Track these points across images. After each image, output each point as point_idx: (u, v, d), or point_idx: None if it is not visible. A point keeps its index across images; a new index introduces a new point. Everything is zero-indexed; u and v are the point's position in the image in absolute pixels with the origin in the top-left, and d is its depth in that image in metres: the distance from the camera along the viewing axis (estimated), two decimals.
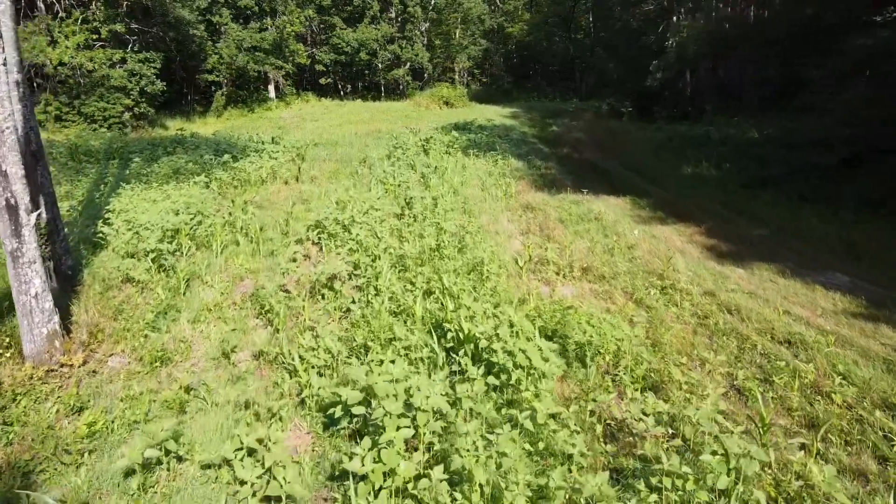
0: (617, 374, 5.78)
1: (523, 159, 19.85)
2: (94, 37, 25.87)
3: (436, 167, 16.09)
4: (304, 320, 7.27)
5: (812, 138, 17.45)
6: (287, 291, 8.19)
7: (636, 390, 5.49)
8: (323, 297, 7.89)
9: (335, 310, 7.54)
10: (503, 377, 5.03)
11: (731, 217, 12.82)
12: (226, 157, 17.07)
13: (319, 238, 10.05)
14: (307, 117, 35.62)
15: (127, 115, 26.84)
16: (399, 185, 14.20)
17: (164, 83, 28.23)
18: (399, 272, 8.49)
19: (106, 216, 10.77)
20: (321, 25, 44.87)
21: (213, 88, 36.90)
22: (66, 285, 7.75)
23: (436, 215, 11.35)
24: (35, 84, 27.33)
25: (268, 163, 16.99)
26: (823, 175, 15.47)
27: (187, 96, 36.42)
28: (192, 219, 10.52)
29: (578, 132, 28.95)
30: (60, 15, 24.94)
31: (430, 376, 5.23)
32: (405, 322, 6.91)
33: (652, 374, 5.73)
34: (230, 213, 11.50)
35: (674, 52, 27.04)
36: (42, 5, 25.34)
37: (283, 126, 32.18)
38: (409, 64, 46.13)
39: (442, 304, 7.07)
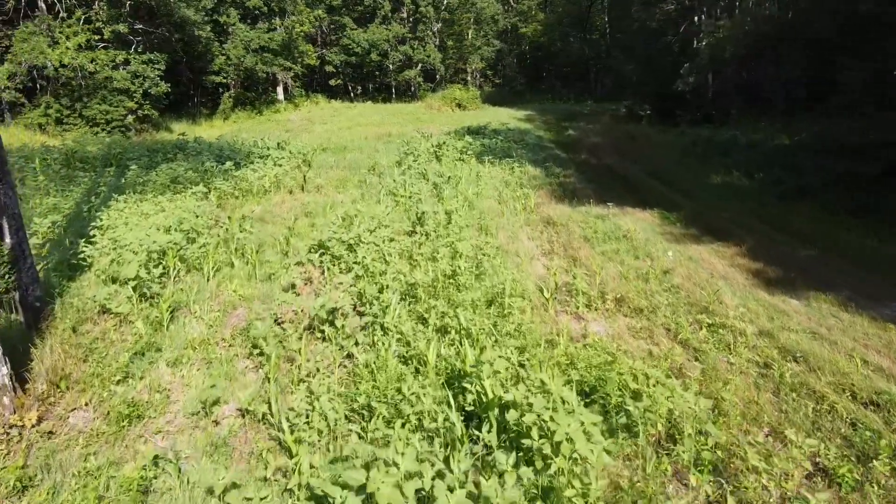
0: (672, 450, 4.77)
1: (540, 166, 18.84)
2: (97, 37, 25.11)
3: (449, 177, 15.11)
4: (300, 366, 6.31)
5: (849, 144, 16.30)
6: (282, 325, 7.25)
7: (700, 471, 4.49)
8: (323, 335, 6.93)
9: (335, 352, 6.58)
10: (538, 462, 4.04)
11: (771, 234, 11.75)
12: (228, 164, 16.17)
13: (322, 261, 9.10)
14: (316, 120, 34.77)
15: (130, 118, 26.08)
16: (410, 197, 13.25)
17: (169, 85, 27.46)
18: (409, 304, 7.52)
19: (91, 233, 9.87)
20: (331, 26, 44.03)
21: (221, 90, 36.14)
22: (32, 319, 6.84)
23: (449, 233, 10.38)
24: (38, 86, 26.64)
25: (272, 170, 16.09)
26: (865, 186, 14.35)
27: (193, 98, 35.68)
28: (183, 236, 9.61)
29: (596, 136, 27.89)
30: (62, 15, 24.18)
31: (446, 458, 4.24)
32: (416, 371, 5.93)
33: (717, 450, 4.71)
34: (226, 230, 10.57)
35: (706, 53, 25.87)
36: (43, 5, 24.59)
37: (291, 129, 31.35)
38: (420, 65, 45.20)
39: (458, 348, 6.09)
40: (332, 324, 6.99)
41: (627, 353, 6.40)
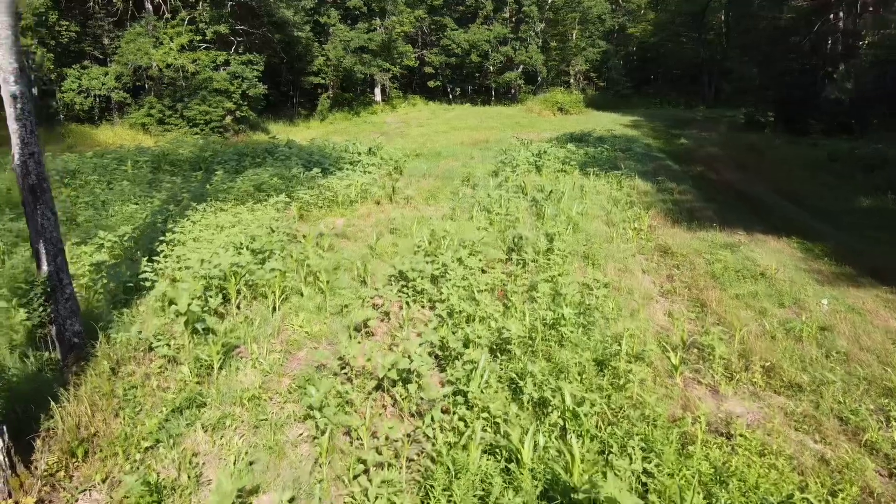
0: None
1: (651, 180, 16.96)
2: (199, 38, 25.23)
3: (550, 191, 13.59)
4: (362, 446, 5.06)
5: None
6: (347, 376, 6.06)
7: None
8: (394, 401, 5.67)
9: (407, 424, 5.30)
10: None
11: None
12: (315, 170, 15.38)
13: (401, 294, 7.88)
14: (412, 122, 33.98)
15: (228, 119, 26.10)
16: (507, 214, 11.86)
17: (266, 86, 27.33)
18: (501, 362, 6.14)
19: (159, 249, 9.11)
20: (431, 26, 43.25)
21: (319, 91, 36.03)
22: (69, 357, 5.97)
23: (550, 262, 8.92)
24: (144, 86, 27.16)
25: (360, 179, 15.14)
26: None
27: (292, 99, 35.73)
28: (252, 257, 8.67)
29: (712, 146, 25.45)
30: (166, 16, 24.42)
31: None
32: (506, 469, 4.56)
33: None
34: (302, 248, 9.57)
35: (870, 55, 22.94)
36: (150, 6, 24.93)
37: (387, 132, 30.66)
38: (521, 67, 43.67)
39: (562, 445, 4.66)
40: (405, 384, 5.72)
41: (791, 459, 4.75)
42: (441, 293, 7.64)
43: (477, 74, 46.32)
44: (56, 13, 24.11)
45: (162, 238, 9.19)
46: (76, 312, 6.08)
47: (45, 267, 5.86)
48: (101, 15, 26.26)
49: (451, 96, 47.26)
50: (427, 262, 8.82)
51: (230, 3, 25.59)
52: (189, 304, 6.49)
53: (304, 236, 9.76)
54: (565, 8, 45.00)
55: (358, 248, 10.50)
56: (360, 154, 18.70)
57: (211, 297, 7.20)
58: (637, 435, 4.74)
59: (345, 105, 36.26)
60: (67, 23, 24.78)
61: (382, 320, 7.65)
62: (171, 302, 7.01)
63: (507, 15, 44.91)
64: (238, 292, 7.86)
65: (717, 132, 29.96)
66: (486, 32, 42.64)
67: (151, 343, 6.34)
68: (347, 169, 16.70)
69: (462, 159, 20.48)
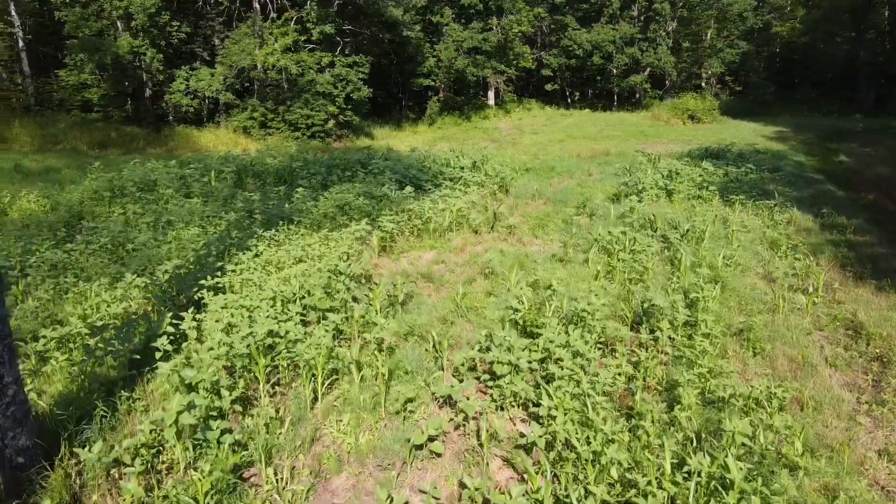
0: None
1: (811, 212, 13.74)
2: (303, 38, 24.21)
3: (687, 229, 10.93)
4: None
5: None
6: None
7: None
8: None
9: None
10: None
11: None
12: (408, 189, 13.48)
13: (486, 390, 5.74)
14: (526, 129, 31.65)
15: (331, 124, 24.94)
16: (633, 257, 9.40)
17: (371, 90, 25.94)
18: None
19: (198, 295, 7.47)
20: (551, 26, 40.64)
21: (429, 94, 34.45)
22: (13, 483, 4.29)
23: (694, 345, 6.44)
24: (253, 88, 26.57)
25: (458, 200, 13.12)
26: None
27: (401, 102, 34.39)
28: (305, 313, 6.86)
29: (882, 165, 21.36)
30: (272, 16, 23.54)
31: None
32: None
33: None
34: (368, 305, 7.62)
35: None
36: (257, 5, 24.18)
37: (498, 139, 28.55)
38: (648, 69, 40.14)
39: None
40: None
41: None
42: (539, 395, 5.42)
43: (598, 78, 43.20)
44: (168, 13, 23.90)
45: (207, 280, 7.52)
46: (22, 421, 4.38)
47: None
48: (211, 15, 25.95)
49: (569, 101, 44.44)
50: (522, 335, 6.64)
51: (337, 1, 24.37)
52: (181, 412, 4.63)
53: (370, 289, 7.76)
54: (701, 5, 40.91)
55: (441, 298, 8.44)
56: (462, 169, 16.68)
57: (227, 386, 5.35)
58: None
59: (455, 109, 34.45)
60: (178, 23, 24.56)
61: (458, 427, 5.52)
62: (187, 386, 5.24)
63: (634, 13, 41.52)
64: (272, 374, 6.01)
65: (885, 147, 25.48)
66: (612, 32, 39.52)
67: (123, 468, 4.56)
68: (446, 187, 14.73)
69: (578, 176, 18.00)
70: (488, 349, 6.17)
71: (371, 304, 7.56)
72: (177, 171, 14.56)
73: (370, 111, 28.80)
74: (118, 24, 24.44)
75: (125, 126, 24.48)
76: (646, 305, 7.45)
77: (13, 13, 25.47)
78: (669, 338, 6.78)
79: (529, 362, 5.79)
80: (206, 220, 11.08)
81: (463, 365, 6.15)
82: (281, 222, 11.11)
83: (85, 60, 23.73)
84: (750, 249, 10.53)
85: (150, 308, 7.40)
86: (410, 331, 7.21)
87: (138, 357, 6.00)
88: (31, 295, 7.45)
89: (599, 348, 6.64)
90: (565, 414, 5.05)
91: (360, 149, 23.62)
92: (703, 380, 5.81)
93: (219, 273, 8.06)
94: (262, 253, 9.33)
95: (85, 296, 7.31)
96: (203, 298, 7.32)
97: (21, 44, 25.88)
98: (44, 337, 5.94)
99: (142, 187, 13.27)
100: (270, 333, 6.12)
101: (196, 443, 4.81)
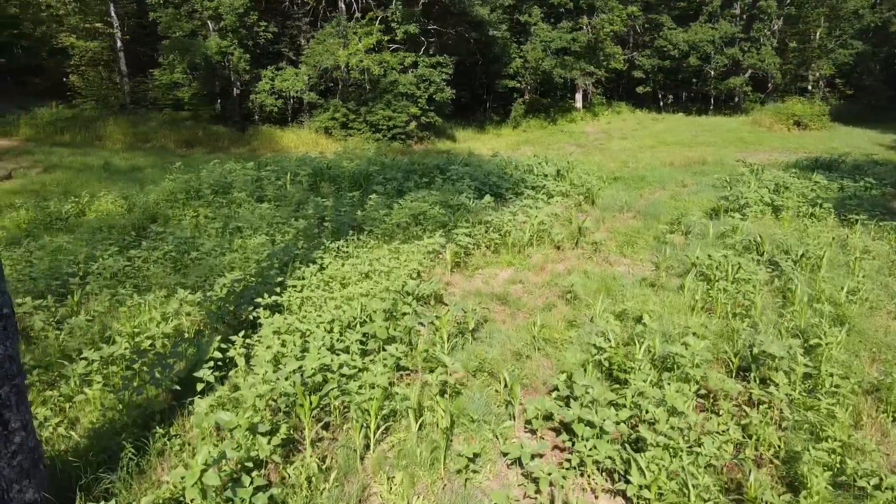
0: None
1: None
2: (387, 38, 23.82)
3: (801, 254, 9.61)
4: None
5: None
6: None
7: None
8: None
9: None
10: None
11: None
12: (487, 199, 12.71)
13: (565, 454, 4.89)
14: (615, 133, 30.21)
15: (412, 125, 24.45)
16: (735, 287, 8.25)
17: (454, 91, 25.27)
18: None
19: (253, 314, 6.96)
20: (645, 25, 38.76)
21: (514, 96, 33.48)
22: None
23: (817, 408, 5.34)
24: (337, 88, 26.48)
25: (540, 211, 12.24)
26: None
27: (486, 103, 33.59)
28: (364, 343, 6.22)
29: None
30: (356, 15, 23.27)
31: None
32: None
33: None
34: (434, 335, 6.88)
35: None
36: (343, 5, 23.98)
37: (584, 144, 27.31)
38: (749, 71, 37.66)
39: None
40: None
41: None
42: (627, 464, 4.53)
43: (694, 80, 40.97)
44: (256, 14, 24.09)
45: (259, 300, 6.98)
46: (30, 471, 3.88)
47: None
48: (298, 15, 26.03)
49: (661, 104, 42.40)
50: (607, 378, 5.75)
51: (422, 1, 23.84)
52: (206, 469, 4.01)
53: (437, 318, 6.99)
54: (811, 2, 37.99)
55: (517, 327, 7.60)
56: (545, 177, 15.74)
57: (267, 431, 4.72)
58: None
59: (541, 111, 33.33)
60: (266, 23, 24.74)
61: (528, 496, 4.70)
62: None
63: (737, 11, 39.08)
64: (323, 412, 5.37)
65: None
66: (711, 31, 37.32)
67: None
68: (528, 196, 13.85)
69: (671, 187, 16.68)
70: (567, 401, 5.30)
71: (438, 332, 6.81)
72: (253, 173, 14.34)
73: (453, 112, 28.16)
74: (209, 24, 24.85)
75: (212, 125, 24.87)
76: (755, 351, 6.35)
77: (113, 14, 26.41)
78: (787, 394, 5.68)
79: (617, 422, 4.88)
80: (275, 227, 10.67)
81: (537, 417, 5.30)
82: (351, 232, 10.57)
83: (177, 60, 24.26)
84: (877, 281, 9.12)
85: (203, 327, 6.93)
86: (480, 366, 6.42)
87: (178, 388, 5.46)
88: (85, 306, 7.12)
89: (699, 402, 5.66)
90: (660, 497, 4.13)
91: (441, 152, 23.03)
92: (833, 456, 4.74)
93: (278, 289, 7.51)
94: (327, 266, 8.78)
95: (139, 310, 6.93)
96: (259, 318, 6.80)
97: (119, 44, 26.81)
98: (85, 359, 5.52)
99: (217, 189, 13.08)
100: (322, 367, 5.47)
101: (226, 500, 4.20)
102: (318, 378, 5.33)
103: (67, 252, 8.85)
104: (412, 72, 24.44)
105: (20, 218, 10.90)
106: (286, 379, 5.10)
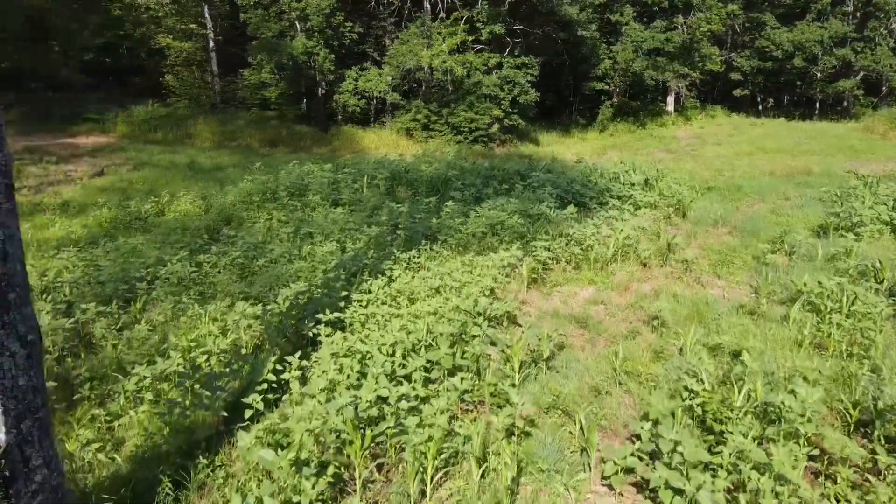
0: None
1: None
2: (471, 38, 23.34)
3: None
4: None
5: None
6: None
7: None
8: None
9: None
10: None
11: None
12: (569, 209, 12.02)
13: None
14: (708, 139, 28.61)
15: (495, 128, 23.88)
16: (852, 322, 7.25)
17: (538, 93, 24.51)
18: None
19: (315, 330, 6.61)
20: (745, 24, 36.62)
21: (602, 98, 32.30)
22: None
23: None
24: (421, 88, 26.28)
25: (626, 224, 11.46)
26: None
27: (572, 106, 32.59)
28: (428, 369, 5.76)
29: None
30: (441, 15, 22.92)
31: None
32: None
33: None
34: (506, 357, 6.31)
35: None
36: (428, 5, 23.69)
37: (675, 150, 25.96)
38: (862, 73, 34.91)
39: None
40: None
41: None
42: None
43: (798, 83, 38.42)
44: (342, 14, 24.18)
45: (321, 316, 6.61)
46: (58, 498, 3.58)
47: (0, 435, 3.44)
48: (383, 15, 25.98)
49: (760, 108, 40.01)
50: (699, 427, 5.04)
51: (509, 0, 23.21)
52: None
53: (508, 346, 6.40)
54: None
55: (596, 357, 6.92)
56: (633, 185, 14.83)
57: (310, 474, 4.29)
58: None
59: (629, 115, 32.00)
60: (351, 24, 24.79)
61: None
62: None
63: (849, 9, 36.35)
64: (376, 449, 4.91)
65: None
66: (819, 31, 34.84)
67: None
68: (613, 206, 13.05)
69: (771, 200, 15.39)
70: (651, 455, 4.63)
71: (509, 361, 6.23)
72: (331, 175, 14.17)
73: (537, 115, 27.41)
74: (297, 24, 25.13)
75: (295, 125, 25.18)
76: (879, 405, 5.43)
77: (207, 15, 27.21)
78: None
79: (712, 490, 4.16)
80: (347, 234, 10.36)
81: (616, 473, 4.65)
82: (424, 241, 10.13)
83: (265, 60, 24.68)
84: None
85: (263, 341, 6.63)
86: (553, 403, 5.80)
87: (226, 415, 5.13)
88: (146, 315, 6.97)
89: (808, 463, 4.86)
90: None
91: (523, 156, 22.36)
92: None
93: (342, 303, 7.14)
94: (396, 279, 8.37)
95: (200, 321, 6.70)
96: (319, 335, 6.43)
97: (212, 44, 27.60)
98: (136, 374, 5.28)
99: (293, 192, 12.96)
100: (378, 399, 5.02)
101: None
102: (374, 412, 4.87)
103: (140, 254, 8.82)
104: (496, 73, 23.87)
105: (102, 217, 11.08)
106: (338, 413, 4.65)
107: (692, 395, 5.51)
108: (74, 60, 28.29)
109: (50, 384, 5.13)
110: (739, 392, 5.46)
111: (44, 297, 7.12)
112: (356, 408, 4.79)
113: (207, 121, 24.04)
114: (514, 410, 5.14)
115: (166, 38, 28.43)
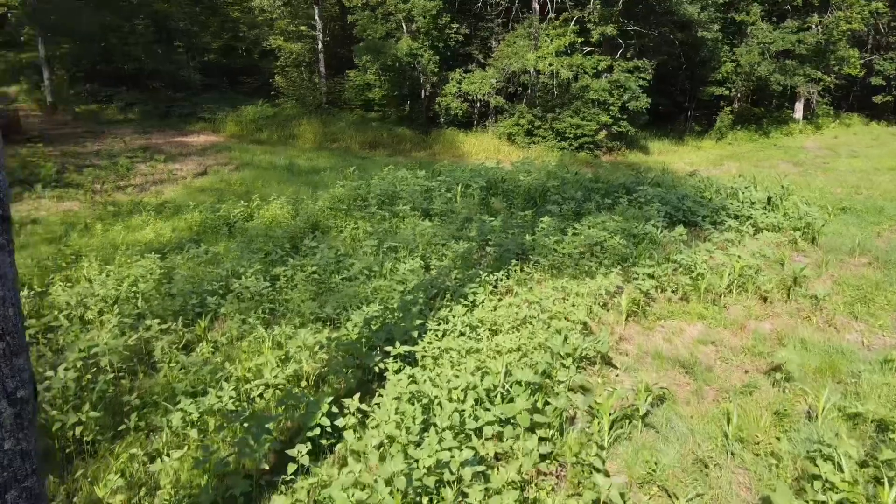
0: None
1: None
2: (580, 40, 22.18)
3: None
4: None
5: None
6: None
7: None
8: None
9: None
10: None
11: None
12: (678, 230, 10.87)
13: None
14: (842, 150, 25.94)
15: (602, 135, 22.62)
16: None
17: (650, 99, 22.96)
18: None
19: (380, 365, 6.00)
20: (892, 23, 33.03)
21: (722, 104, 30.08)
22: None
23: None
24: (526, 92, 25.44)
25: (744, 249, 10.21)
26: None
27: (687, 112, 30.57)
28: (503, 421, 5.04)
29: None
30: (550, 16, 21.92)
31: None
32: None
33: None
34: (593, 414, 5.43)
35: None
36: (536, 5, 22.75)
37: (802, 162, 23.66)
38: None
39: None
40: None
41: None
42: None
43: None
44: (448, 15, 23.71)
45: (389, 349, 5.99)
46: None
47: None
48: (490, 16, 25.32)
49: None
50: None
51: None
52: None
53: (595, 404, 5.48)
54: None
55: (702, 415, 5.89)
56: (753, 204, 13.31)
57: None
58: None
59: (751, 122, 29.55)
60: (457, 25, 24.29)
61: None
62: None
63: None
64: None
65: None
66: None
67: None
68: (729, 227, 11.72)
69: None
70: None
71: (597, 420, 5.35)
72: (424, 183, 13.64)
73: (648, 121, 25.82)
74: (403, 26, 24.93)
75: (396, 127, 24.97)
76: None
77: (317, 17, 27.59)
78: None
79: None
80: (432, 249, 9.73)
81: None
82: (515, 261, 9.33)
83: (370, 62, 24.63)
84: None
85: (327, 372, 6.08)
86: (649, 476, 4.88)
87: (267, 467, 4.56)
88: (210, 334, 6.60)
89: None
90: None
91: (631, 165, 21.01)
92: None
93: (416, 333, 6.50)
94: (479, 304, 7.64)
95: (262, 346, 6.25)
96: (386, 370, 5.82)
97: (320, 46, 27.95)
98: (182, 410, 4.85)
99: (383, 199, 12.51)
100: (438, 463, 4.30)
101: None
102: (431, 481, 4.16)
103: (218, 264, 8.58)
104: (606, 77, 22.60)
105: (192, 220, 11.04)
106: (387, 483, 3.98)
107: (827, 486, 4.43)
108: (195, 61, 29.59)
109: (94, 414, 4.80)
110: (890, 491, 4.33)
111: (113, 308, 6.92)
112: (410, 475, 4.10)
113: (311, 122, 24.26)
114: (598, 495, 4.27)
115: (278, 40, 29.10)
